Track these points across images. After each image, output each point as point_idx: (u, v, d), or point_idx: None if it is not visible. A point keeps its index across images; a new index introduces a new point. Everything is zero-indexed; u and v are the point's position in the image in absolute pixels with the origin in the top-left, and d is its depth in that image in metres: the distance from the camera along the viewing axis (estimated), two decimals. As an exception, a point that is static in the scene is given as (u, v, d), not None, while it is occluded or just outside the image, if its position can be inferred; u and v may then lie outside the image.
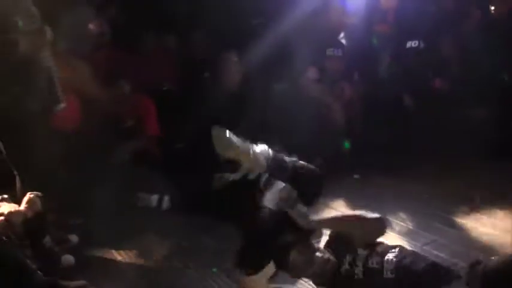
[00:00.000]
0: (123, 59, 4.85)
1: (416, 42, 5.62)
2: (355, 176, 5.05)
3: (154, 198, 4.43)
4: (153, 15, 5.29)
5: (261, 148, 3.15)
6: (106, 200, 3.92)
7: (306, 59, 5.47)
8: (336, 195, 4.57)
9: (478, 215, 4.15)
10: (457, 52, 5.60)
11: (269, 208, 3.04)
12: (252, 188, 3.20)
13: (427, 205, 4.35)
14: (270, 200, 3.08)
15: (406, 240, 3.75)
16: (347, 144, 5.31)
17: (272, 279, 3.05)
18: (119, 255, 3.81)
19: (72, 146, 4.06)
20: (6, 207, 2.96)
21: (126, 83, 4.67)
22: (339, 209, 4.41)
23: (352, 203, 4.47)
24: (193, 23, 5.49)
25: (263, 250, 2.93)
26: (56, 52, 3.95)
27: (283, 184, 3.12)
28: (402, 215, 4.23)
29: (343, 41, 5.86)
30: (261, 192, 3.15)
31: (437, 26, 5.66)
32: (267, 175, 3.16)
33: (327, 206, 4.42)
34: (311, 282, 3.00)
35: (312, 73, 5.52)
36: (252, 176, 3.16)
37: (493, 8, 5.68)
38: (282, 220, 2.94)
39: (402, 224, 4.11)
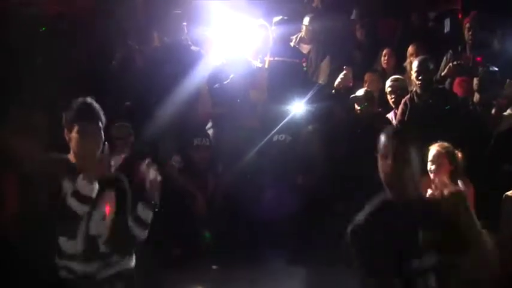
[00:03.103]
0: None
1: (283, 136, 5.79)
2: (214, 267, 5.10)
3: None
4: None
5: None
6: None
7: (171, 148, 5.53)
8: (194, 287, 4.66)
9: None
10: (323, 148, 5.79)
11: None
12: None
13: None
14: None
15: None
16: (208, 235, 5.26)
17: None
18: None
19: None
20: None
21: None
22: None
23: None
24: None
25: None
26: None
27: None
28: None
29: (211, 131, 5.95)
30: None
31: (305, 121, 5.88)
32: None
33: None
34: None
35: (176, 162, 5.52)
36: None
37: (358, 108, 5.99)
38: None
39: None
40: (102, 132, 3.36)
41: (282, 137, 5.85)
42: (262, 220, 5.42)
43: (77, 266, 3.32)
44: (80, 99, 3.36)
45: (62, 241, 3.32)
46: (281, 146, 5.83)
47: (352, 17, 8.16)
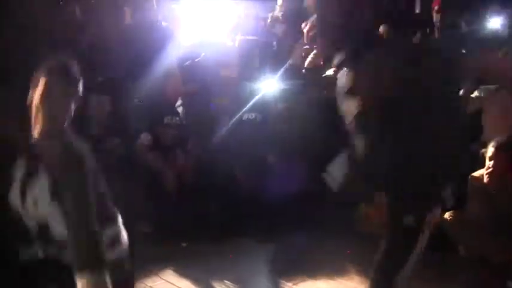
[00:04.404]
0: None
1: (253, 114, 5.81)
2: (183, 244, 5.14)
3: None
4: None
5: None
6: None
7: (142, 125, 5.53)
8: (164, 264, 4.66)
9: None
10: (294, 127, 5.81)
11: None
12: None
13: (258, 273, 4.52)
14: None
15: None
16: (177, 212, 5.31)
17: None
18: None
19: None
20: None
21: None
22: (166, 278, 4.37)
23: (178, 272, 4.56)
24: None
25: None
26: None
27: None
28: (229, 283, 4.39)
29: (180, 109, 5.95)
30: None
31: (275, 100, 5.92)
32: None
33: (155, 274, 4.48)
34: None
35: (146, 140, 5.52)
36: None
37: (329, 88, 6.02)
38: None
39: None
40: (78, 91, 2.64)
41: (252, 116, 5.88)
42: (231, 198, 5.47)
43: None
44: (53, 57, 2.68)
45: None
46: (251, 125, 5.86)
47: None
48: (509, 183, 4.58)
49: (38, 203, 2.59)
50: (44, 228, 2.62)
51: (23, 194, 2.61)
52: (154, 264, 4.59)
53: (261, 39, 6.52)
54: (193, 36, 6.39)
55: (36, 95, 2.56)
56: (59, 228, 2.58)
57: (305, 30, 6.99)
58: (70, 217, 2.53)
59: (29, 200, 2.60)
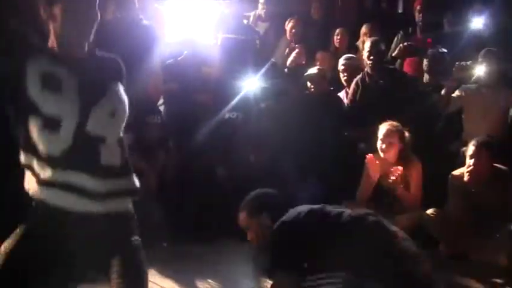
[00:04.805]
0: None
1: (235, 113, 5.82)
2: (164, 244, 5.13)
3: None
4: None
5: None
6: None
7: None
8: (147, 264, 4.53)
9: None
10: (275, 126, 5.84)
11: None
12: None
13: (242, 273, 4.53)
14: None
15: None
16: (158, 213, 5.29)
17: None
18: None
19: None
20: None
21: None
22: (150, 278, 4.35)
23: (161, 272, 4.52)
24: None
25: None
26: None
27: None
28: (213, 283, 4.38)
29: (162, 108, 5.94)
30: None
31: (257, 99, 5.93)
32: None
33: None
34: None
35: (127, 139, 5.47)
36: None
37: (311, 86, 6.04)
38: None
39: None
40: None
41: (233, 115, 5.89)
42: (213, 198, 5.46)
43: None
44: None
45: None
46: (233, 124, 5.87)
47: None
48: (489, 181, 4.64)
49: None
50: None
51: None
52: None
53: (243, 37, 6.53)
54: (175, 35, 6.38)
55: (59, 21, 2.34)
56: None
57: (288, 28, 7.06)
58: None
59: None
